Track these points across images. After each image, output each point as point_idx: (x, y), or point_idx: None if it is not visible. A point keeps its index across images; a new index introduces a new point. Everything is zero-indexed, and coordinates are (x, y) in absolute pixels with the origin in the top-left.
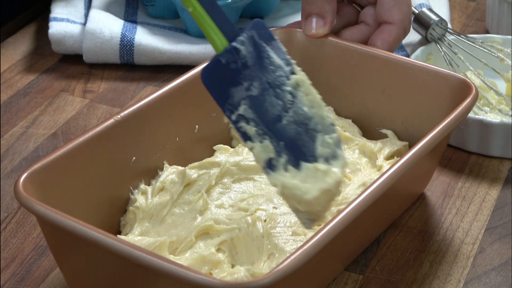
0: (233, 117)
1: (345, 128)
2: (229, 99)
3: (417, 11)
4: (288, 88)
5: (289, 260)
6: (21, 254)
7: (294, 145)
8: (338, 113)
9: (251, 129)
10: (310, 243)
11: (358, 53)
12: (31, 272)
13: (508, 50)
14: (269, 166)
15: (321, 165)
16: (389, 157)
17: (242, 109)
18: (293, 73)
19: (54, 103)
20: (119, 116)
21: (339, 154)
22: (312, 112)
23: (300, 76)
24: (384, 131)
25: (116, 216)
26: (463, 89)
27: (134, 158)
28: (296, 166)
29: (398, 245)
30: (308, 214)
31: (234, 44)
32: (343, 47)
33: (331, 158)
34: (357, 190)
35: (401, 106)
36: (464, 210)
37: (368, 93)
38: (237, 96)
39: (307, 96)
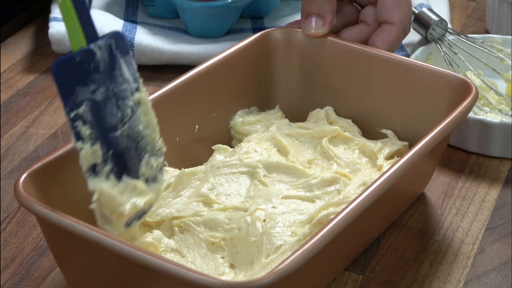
0: (72, 114)
1: (345, 128)
2: (72, 96)
3: (417, 11)
4: (130, 103)
5: (289, 260)
6: (21, 254)
7: (121, 157)
8: (338, 113)
9: (85, 130)
10: (310, 243)
11: (358, 53)
12: (31, 272)
13: (508, 50)
14: (93, 170)
15: (140, 184)
16: (389, 157)
17: (82, 109)
18: (138, 91)
19: (54, 103)
20: None
21: (160, 179)
22: (145, 132)
23: (144, 95)
24: (384, 131)
25: None
26: (463, 89)
27: None
28: (118, 177)
29: (398, 245)
30: (108, 221)
31: (91, 46)
32: (343, 47)
33: (151, 180)
34: (358, 189)
35: (401, 106)
36: (464, 210)
37: (368, 93)
38: (81, 96)
39: (145, 116)
